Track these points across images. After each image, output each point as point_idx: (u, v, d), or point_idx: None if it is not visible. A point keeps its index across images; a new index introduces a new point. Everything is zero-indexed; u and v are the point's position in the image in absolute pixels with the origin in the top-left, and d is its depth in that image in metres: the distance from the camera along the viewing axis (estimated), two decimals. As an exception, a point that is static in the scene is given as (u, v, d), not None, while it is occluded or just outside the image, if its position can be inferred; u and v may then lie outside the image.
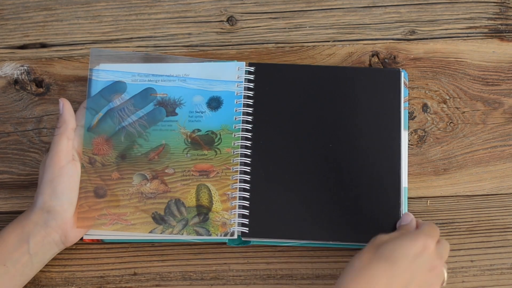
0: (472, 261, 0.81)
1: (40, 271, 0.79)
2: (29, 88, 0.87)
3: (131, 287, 0.81)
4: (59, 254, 0.80)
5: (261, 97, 0.83)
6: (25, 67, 0.87)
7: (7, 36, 0.88)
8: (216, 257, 0.82)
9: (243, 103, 0.82)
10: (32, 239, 0.75)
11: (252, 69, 0.83)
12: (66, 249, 0.80)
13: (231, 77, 0.83)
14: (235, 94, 0.83)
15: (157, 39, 0.88)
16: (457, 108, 0.86)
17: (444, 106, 0.86)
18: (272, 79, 0.83)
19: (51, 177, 0.76)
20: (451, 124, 0.85)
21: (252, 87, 0.83)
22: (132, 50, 0.87)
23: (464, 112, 0.86)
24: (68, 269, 0.81)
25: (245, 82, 0.83)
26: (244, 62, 0.83)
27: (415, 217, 0.78)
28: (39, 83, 0.87)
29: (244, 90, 0.83)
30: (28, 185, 0.84)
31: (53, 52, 0.88)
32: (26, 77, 0.87)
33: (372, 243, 0.71)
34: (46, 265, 0.79)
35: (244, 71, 0.83)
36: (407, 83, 0.85)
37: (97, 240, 0.81)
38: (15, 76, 0.87)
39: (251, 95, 0.82)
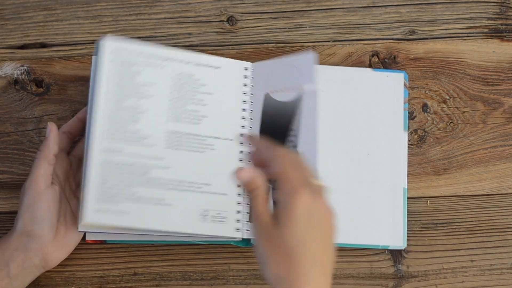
0: (472, 261, 0.81)
1: (40, 271, 0.79)
2: (29, 88, 0.86)
3: (131, 287, 0.81)
4: (59, 254, 0.80)
5: (265, 98, 0.82)
6: (25, 67, 0.87)
7: (7, 36, 0.88)
8: (216, 257, 0.82)
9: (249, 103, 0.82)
10: (12, 263, 0.75)
11: (252, 69, 0.83)
12: (66, 249, 0.80)
13: (238, 77, 0.82)
14: (243, 94, 0.82)
15: (157, 39, 0.88)
16: (457, 108, 0.86)
17: (444, 106, 0.86)
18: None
19: (31, 201, 0.76)
20: (451, 124, 0.85)
21: (251, 86, 0.83)
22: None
23: (464, 112, 0.86)
24: (68, 269, 0.81)
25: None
26: (250, 63, 0.83)
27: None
28: (39, 83, 0.87)
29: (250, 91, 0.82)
30: (28, 185, 0.84)
31: (53, 52, 0.88)
32: (26, 77, 0.87)
33: (266, 239, 0.63)
34: (46, 265, 0.79)
35: (250, 72, 0.83)
36: (407, 84, 0.85)
37: (100, 241, 0.81)
38: (15, 76, 0.87)
39: (252, 94, 0.82)
